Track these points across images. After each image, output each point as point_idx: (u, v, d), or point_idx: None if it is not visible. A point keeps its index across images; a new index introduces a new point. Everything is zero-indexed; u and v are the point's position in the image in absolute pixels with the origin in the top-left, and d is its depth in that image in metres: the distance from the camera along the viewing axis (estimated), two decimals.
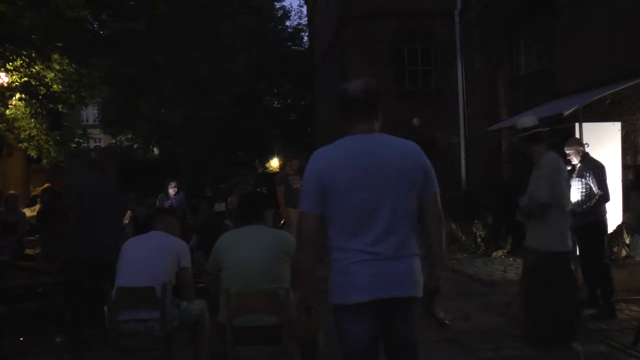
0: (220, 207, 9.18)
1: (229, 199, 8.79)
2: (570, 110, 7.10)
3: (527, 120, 4.22)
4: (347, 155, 2.39)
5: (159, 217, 4.15)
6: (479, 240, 9.55)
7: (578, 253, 5.40)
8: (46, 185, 11.89)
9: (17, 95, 11.14)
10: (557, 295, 3.83)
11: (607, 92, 7.60)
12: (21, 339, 4.88)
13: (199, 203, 9.80)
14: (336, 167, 2.37)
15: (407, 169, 2.38)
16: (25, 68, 10.50)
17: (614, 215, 6.34)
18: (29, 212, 8.71)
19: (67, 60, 10.95)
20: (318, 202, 2.37)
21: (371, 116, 2.47)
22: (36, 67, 10.62)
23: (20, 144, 12.08)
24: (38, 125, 11.64)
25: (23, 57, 10.29)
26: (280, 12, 27.82)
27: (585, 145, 5.79)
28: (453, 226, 9.97)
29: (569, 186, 4.09)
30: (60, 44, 11.03)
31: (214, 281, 3.52)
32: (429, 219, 2.45)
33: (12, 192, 7.86)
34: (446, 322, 2.39)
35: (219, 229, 5.76)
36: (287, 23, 28.71)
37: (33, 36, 10.39)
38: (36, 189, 12.58)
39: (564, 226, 3.89)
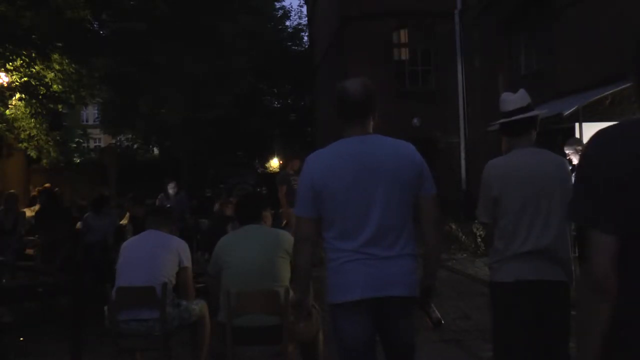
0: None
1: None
2: (570, 110, 7.11)
3: (511, 99, 2.93)
4: (340, 158, 2.40)
5: (155, 216, 4.14)
6: (479, 240, 9.53)
7: (577, 254, 5.40)
8: (45, 185, 11.93)
9: (17, 95, 11.15)
10: (497, 336, 2.82)
11: (607, 92, 7.60)
12: (21, 339, 4.87)
13: (201, 203, 9.80)
14: (330, 171, 2.38)
15: (401, 169, 2.38)
16: (25, 68, 10.51)
17: None
18: (28, 212, 8.71)
19: (67, 60, 10.95)
20: (313, 205, 2.39)
21: (367, 117, 2.47)
22: (36, 67, 10.63)
23: (20, 144, 12.09)
24: (38, 125, 11.66)
25: (23, 57, 10.30)
26: (280, 12, 27.80)
27: None
28: (453, 226, 9.95)
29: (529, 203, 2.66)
30: (60, 44, 11.04)
31: (214, 283, 3.52)
32: (426, 221, 2.45)
33: (12, 190, 7.78)
34: (442, 322, 2.39)
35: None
36: (287, 23, 28.70)
37: (33, 36, 10.39)
38: (36, 189, 12.59)
39: (504, 252, 2.72)
